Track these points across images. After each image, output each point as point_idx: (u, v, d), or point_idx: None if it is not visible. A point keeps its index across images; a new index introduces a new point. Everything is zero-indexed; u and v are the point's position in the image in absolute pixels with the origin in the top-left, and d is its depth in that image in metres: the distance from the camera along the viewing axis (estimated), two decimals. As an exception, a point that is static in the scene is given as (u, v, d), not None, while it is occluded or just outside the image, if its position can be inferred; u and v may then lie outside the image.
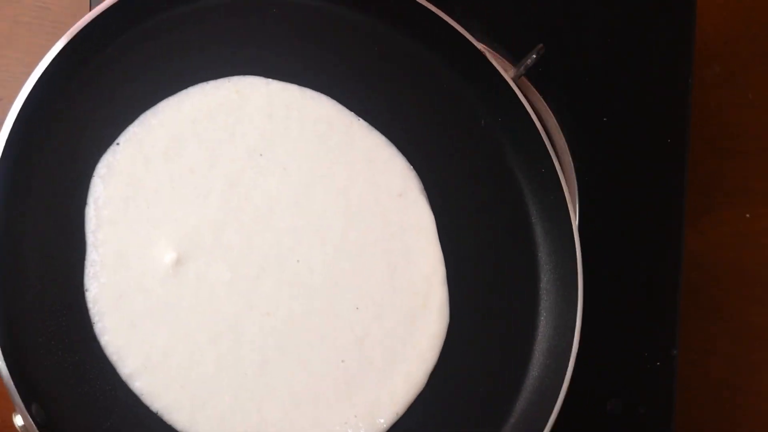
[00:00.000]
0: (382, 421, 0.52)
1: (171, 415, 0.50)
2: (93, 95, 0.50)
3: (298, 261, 0.52)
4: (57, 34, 0.63)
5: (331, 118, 0.53)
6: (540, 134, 0.51)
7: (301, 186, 0.52)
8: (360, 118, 0.53)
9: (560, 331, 0.51)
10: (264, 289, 0.51)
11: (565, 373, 0.49)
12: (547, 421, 0.48)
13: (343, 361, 0.52)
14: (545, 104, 0.57)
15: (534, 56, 0.53)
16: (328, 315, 0.52)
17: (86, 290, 0.49)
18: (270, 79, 0.53)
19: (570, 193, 0.51)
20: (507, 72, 0.52)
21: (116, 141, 0.51)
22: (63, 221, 0.49)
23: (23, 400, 0.44)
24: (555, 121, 0.57)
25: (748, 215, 0.65)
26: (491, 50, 0.52)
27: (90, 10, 0.53)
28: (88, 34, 0.48)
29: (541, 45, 0.53)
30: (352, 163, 0.53)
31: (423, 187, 0.53)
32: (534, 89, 0.57)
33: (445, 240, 0.52)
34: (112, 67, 0.51)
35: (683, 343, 0.59)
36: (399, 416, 0.52)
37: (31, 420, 0.44)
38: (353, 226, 0.53)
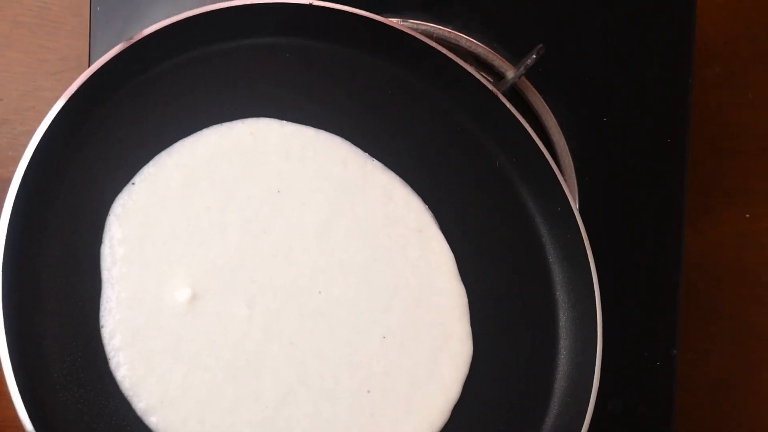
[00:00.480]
0: None
1: None
2: (108, 136, 0.51)
3: (320, 293, 0.52)
4: (57, 34, 0.63)
5: (346, 158, 0.53)
6: (555, 175, 0.51)
7: (320, 221, 0.53)
8: (374, 159, 0.53)
9: (580, 369, 0.51)
10: (285, 322, 0.51)
11: (585, 412, 0.49)
12: None
13: (368, 391, 0.52)
14: (545, 104, 0.57)
15: (534, 56, 0.53)
16: (352, 345, 0.52)
17: (102, 326, 0.50)
18: (284, 121, 0.53)
19: (570, 192, 0.51)
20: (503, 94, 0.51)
21: (132, 181, 0.52)
22: (79, 259, 0.50)
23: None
24: (555, 121, 0.57)
25: (748, 215, 0.65)
26: (493, 83, 0.52)
27: (90, 11, 0.54)
28: (102, 75, 0.48)
29: (541, 45, 0.53)
30: (370, 200, 0.53)
31: (439, 225, 0.53)
32: (534, 89, 0.57)
33: (464, 275, 0.53)
34: (127, 108, 0.51)
35: (683, 343, 0.59)
36: None
37: None
38: (374, 260, 0.53)
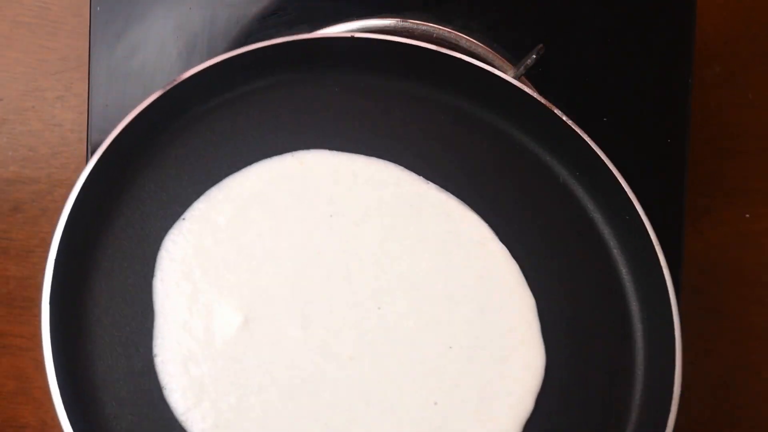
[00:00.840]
0: None
1: None
2: (157, 174, 0.52)
3: (379, 308, 0.52)
4: (57, 34, 0.63)
5: (399, 180, 0.53)
6: (621, 185, 0.50)
7: (376, 239, 0.52)
8: (429, 182, 0.53)
9: (657, 385, 0.50)
10: (343, 339, 0.51)
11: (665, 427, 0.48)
12: None
13: (436, 403, 0.51)
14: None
15: (534, 56, 0.53)
16: (416, 357, 0.51)
17: (155, 356, 0.51)
18: (334, 151, 0.53)
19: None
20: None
21: (182, 216, 0.53)
22: (131, 293, 0.51)
23: None
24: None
25: (748, 215, 0.65)
26: (550, 103, 0.52)
27: (90, 11, 0.54)
28: (145, 117, 0.49)
29: (541, 45, 0.53)
30: (426, 219, 0.53)
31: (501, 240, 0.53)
32: (534, 89, 0.57)
33: (532, 286, 0.52)
34: (176, 147, 0.52)
35: (683, 343, 0.59)
36: None
37: None
38: (435, 272, 0.52)
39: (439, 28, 0.56)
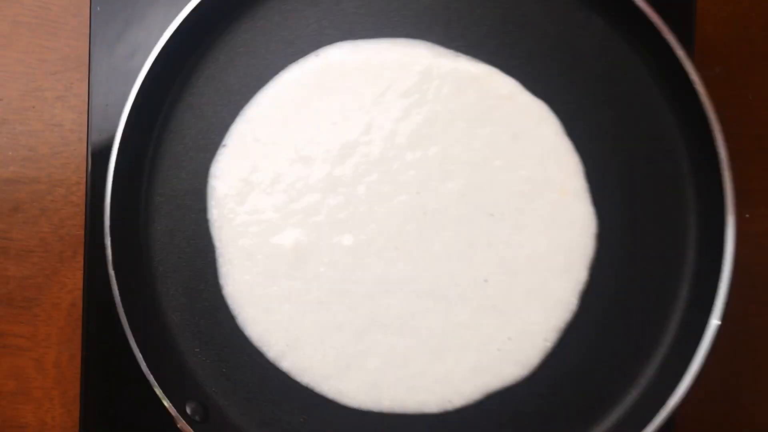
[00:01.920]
0: (545, 341, 0.51)
1: (321, 386, 0.53)
2: (193, 102, 0.54)
3: (418, 193, 0.52)
4: (57, 34, 0.63)
5: (427, 57, 0.53)
6: (681, 60, 0.50)
7: (411, 123, 0.52)
8: (460, 54, 0.53)
9: (708, 251, 0.50)
10: (389, 232, 0.52)
11: (716, 298, 0.48)
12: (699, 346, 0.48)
13: (486, 281, 0.51)
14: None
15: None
16: (461, 233, 0.51)
17: (222, 287, 0.54)
18: (357, 41, 0.54)
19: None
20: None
21: (222, 143, 0.54)
22: (190, 228, 0.54)
23: (179, 402, 0.50)
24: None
25: (747, 215, 0.65)
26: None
27: (90, 11, 0.54)
28: (179, 35, 0.52)
29: None
30: (463, 89, 0.52)
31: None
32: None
33: (578, 144, 0.52)
34: (205, 67, 0.54)
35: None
36: (552, 340, 0.51)
37: (185, 422, 0.50)
38: (473, 142, 0.52)
39: None
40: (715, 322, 0.48)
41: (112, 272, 0.50)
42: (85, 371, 0.57)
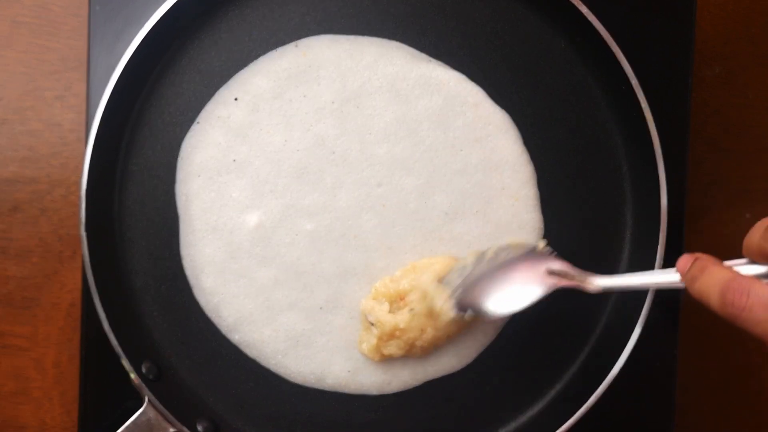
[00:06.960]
0: (485, 337, 0.56)
1: (268, 361, 0.56)
2: (174, 79, 0.57)
3: (379, 186, 0.56)
4: (57, 34, 0.63)
5: (402, 59, 0.56)
6: (614, 53, 0.54)
7: (380, 121, 0.56)
8: (432, 59, 0.56)
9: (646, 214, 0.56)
10: (352, 225, 0.56)
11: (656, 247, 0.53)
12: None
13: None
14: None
15: None
16: (419, 231, 0.56)
17: (182, 258, 0.56)
18: (336, 35, 0.56)
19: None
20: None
21: (196, 120, 0.56)
22: (158, 200, 0.56)
23: (135, 360, 0.54)
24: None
25: (748, 215, 0.65)
26: None
27: (90, 11, 0.54)
28: (169, 15, 0.54)
29: None
30: (429, 93, 0.56)
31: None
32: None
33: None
34: (189, 48, 0.57)
35: (683, 342, 0.59)
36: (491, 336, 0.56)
37: (141, 379, 0.53)
38: (437, 144, 0.56)
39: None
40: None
41: (83, 233, 0.53)
42: (84, 371, 0.57)
